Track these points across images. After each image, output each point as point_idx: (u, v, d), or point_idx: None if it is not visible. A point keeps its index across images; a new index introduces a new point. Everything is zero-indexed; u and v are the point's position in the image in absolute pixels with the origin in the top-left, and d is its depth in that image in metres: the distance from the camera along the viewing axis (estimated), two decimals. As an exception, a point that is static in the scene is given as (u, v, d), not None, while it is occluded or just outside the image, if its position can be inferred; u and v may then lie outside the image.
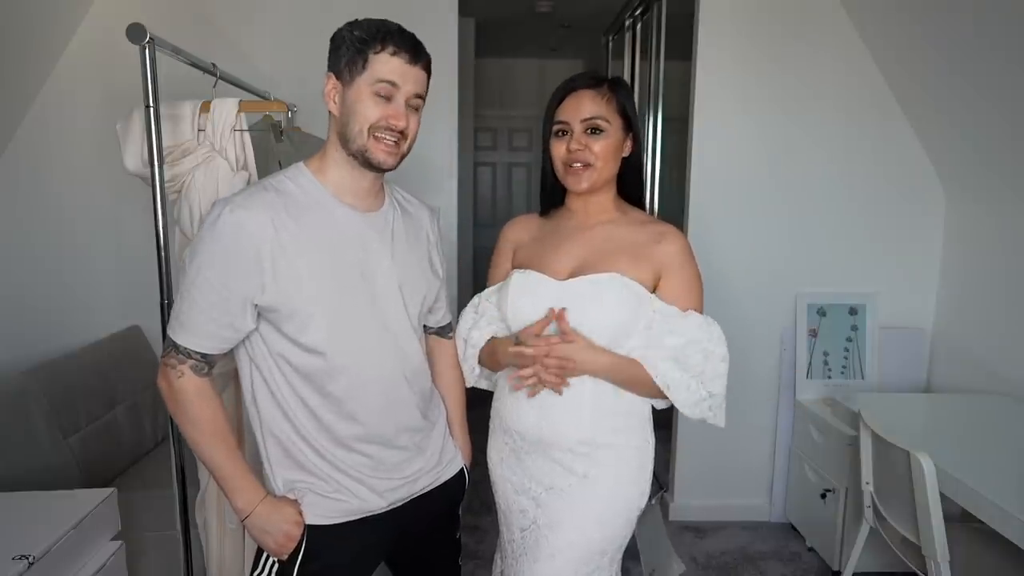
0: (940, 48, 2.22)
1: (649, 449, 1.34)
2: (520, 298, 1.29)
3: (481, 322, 1.38)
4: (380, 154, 1.12)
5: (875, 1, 2.40)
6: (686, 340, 1.24)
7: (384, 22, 1.12)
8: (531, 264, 1.33)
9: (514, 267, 1.38)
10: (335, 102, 1.13)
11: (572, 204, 1.36)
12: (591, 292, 1.24)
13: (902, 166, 2.62)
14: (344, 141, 1.13)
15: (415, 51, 1.12)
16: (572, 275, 1.27)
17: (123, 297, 2.59)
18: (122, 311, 2.59)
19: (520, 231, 1.42)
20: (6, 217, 2.52)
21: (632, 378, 1.25)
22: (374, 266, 1.17)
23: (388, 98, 1.11)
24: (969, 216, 2.54)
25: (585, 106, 1.26)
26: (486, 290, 1.42)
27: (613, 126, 1.27)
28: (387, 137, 1.12)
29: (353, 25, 1.12)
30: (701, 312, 1.28)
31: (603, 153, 1.26)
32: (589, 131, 1.26)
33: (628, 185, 1.36)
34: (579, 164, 1.27)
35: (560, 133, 1.29)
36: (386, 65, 1.10)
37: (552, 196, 1.38)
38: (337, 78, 1.12)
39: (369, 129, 1.10)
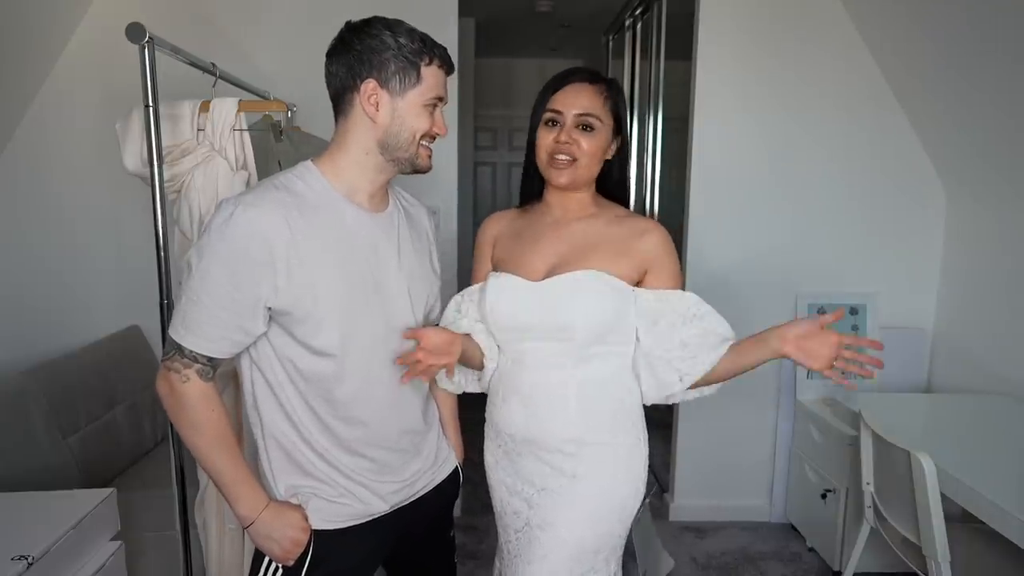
0: (938, 44, 2.22)
1: (641, 447, 1.32)
2: (497, 302, 1.28)
3: (462, 322, 1.36)
4: (427, 160, 1.18)
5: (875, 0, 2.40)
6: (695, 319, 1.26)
7: (413, 27, 1.12)
8: (507, 263, 1.32)
9: (492, 264, 1.37)
10: (377, 110, 1.11)
11: (550, 198, 1.34)
12: (569, 290, 1.23)
13: (902, 165, 2.62)
14: (387, 148, 1.13)
15: (451, 62, 1.17)
16: (549, 274, 1.26)
17: (123, 297, 2.59)
18: (122, 311, 2.59)
19: (497, 227, 1.40)
20: (5, 217, 2.52)
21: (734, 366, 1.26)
22: (383, 267, 1.17)
23: (435, 107, 1.15)
24: (969, 215, 2.54)
25: (582, 100, 1.25)
26: (468, 288, 1.40)
27: (604, 126, 1.26)
28: (430, 144, 1.18)
29: (390, 30, 1.09)
30: None
31: (590, 151, 1.25)
32: (581, 126, 1.25)
33: (611, 185, 1.35)
34: (564, 157, 1.25)
35: (551, 122, 1.27)
36: (437, 79, 1.13)
37: (532, 188, 1.36)
38: (382, 86, 1.10)
39: (420, 138, 1.15)
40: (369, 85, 1.09)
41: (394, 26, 1.10)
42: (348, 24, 1.12)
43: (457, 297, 1.40)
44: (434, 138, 1.18)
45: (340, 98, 1.13)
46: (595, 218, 1.31)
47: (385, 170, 1.16)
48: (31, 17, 2.24)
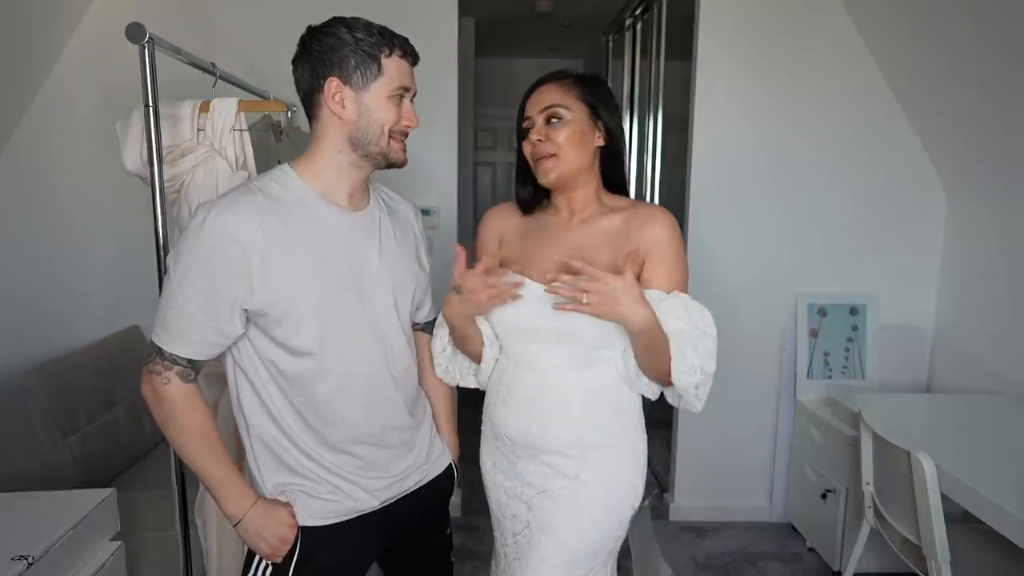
0: (940, 47, 2.22)
1: (642, 448, 1.32)
2: (505, 305, 1.27)
3: None
4: (400, 153, 1.17)
5: (875, 0, 2.40)
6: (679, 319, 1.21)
7: (368, 22, 1.12)
8: (516, 263, 1.32)
9: (499, 263, 1.36)
10: (343, 107, 1.11)
11: (556, 200, 1.34)
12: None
13: (902, 165, 2.62)
14: (358, 144, 1.13)
15: (415, 51, 1.16)
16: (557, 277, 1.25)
17: (123, 297, 2.59)
18: (122, 311, 2.58)
19: (502, 223, 1.39)
20: (6, 217, 2.51)
21: (662, 346, 1.17)
22: (363, 265, 1.17)
23: (402, 98, 1.15)
24: (969, 216, 2.54)
25: (544, 97, 1.26)
26: None
27: (574, 114, 1.25)
28: (402, 137, 1.17)
29: (347, 27, 1.10)
30: (686, 292, 1.25)
31: (565, 142, 1.24)
32: (547, 120, 1.25)
33: (609, 175, 1.34)
34: (542, 155, 1.25)
35: (527, 130, 1.28)
36: (399, 69, 1.13)
37: (531, 195, 1.35)
38: (344, 83, 1.11)
39: (390, 132, 1.14)
40: (332, 83, 1.11)
41: (351, 22, 1.11)
42: (308, 28, 1.13)
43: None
44: (406, 133, 1.18)
45: (308, 101, 1.15)
46: (600, 215, 1.30)
47: (360, 166, 1.17)
48: (31, 17, 2.24)
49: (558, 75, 1.29)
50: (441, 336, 1.37)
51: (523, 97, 1.31)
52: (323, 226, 1.14)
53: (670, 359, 1.18)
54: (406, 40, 1.15)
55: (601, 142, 1.29)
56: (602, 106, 1.28)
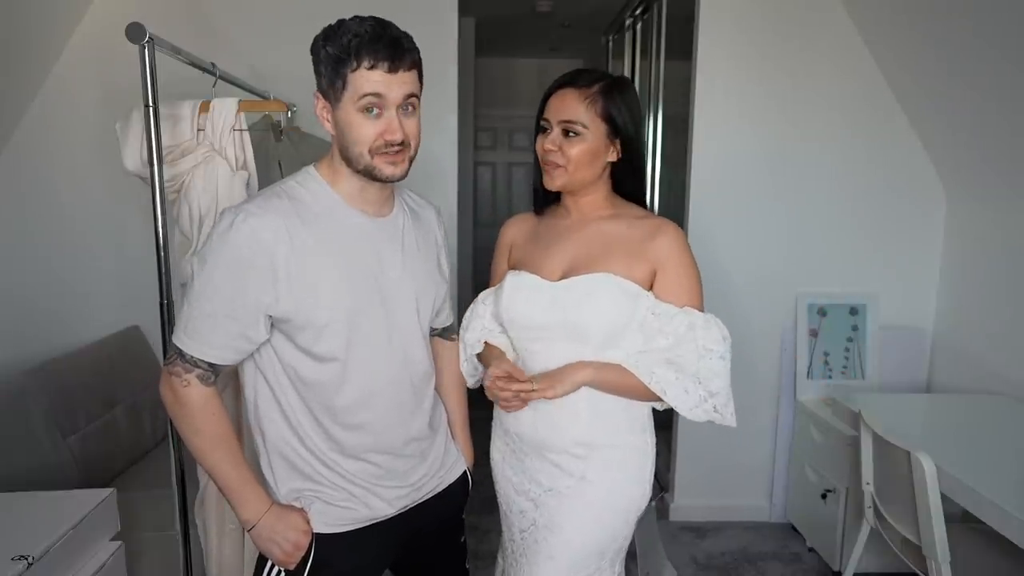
0: (940, 48, 2.22)
1: (649, 450, 1.33)
2: (514, 301, 1.29)
3: (474, 323, 1.38)
4: (387, 168, 1.09)
5: (875, 1, 2.40)
6: (678, 339, 1.21)
7: (357, 28, 1.03)
8: (525, 264, 1.33)
9: (509, 267, 1.38)
10: (329, 122, 1.10)
11: (566, 201, 1.34)
12: (583, 292, 1.23)
13: (902, 165, 2.62)
14: (347, 159, 1.09)
15: (393, 58, 1.04)
16: (565, 275, 1.26)
17: (123, 297, 2.59)
18: (122, 311, 2.59)
19: (517, 230, 1.42)
20: (6, 217, 2.52)
21: (624, 387, 1.24)
22: (386, 272, 1.16)
23: (379, 110, 1.06)
24: (969, 216, 2.54)
25: (565, 108, 1.24)
26: (485, 291, 1.42)
27: (592, 131, 1.24)
28: (389, 151, 1.08)
29: (327, 37, 1.05)
30: (700, 306, 1.25)
31: (576, 157, 1.24)
32: (565, 133, 1.25)
33: (626, 186, 1.34)
34: (551, 164, 1.26)
35: (543, 130, 1.28)
36: (366, 80, 1.03)
37: (545, 193, 1.36)
38: (325, 99, 1.08)
39: (369, 150, 1.07)
40: (319, 100, 1.10)
41: (331, 33, 1.04)
42: None
43: (474, 303, 1.42)
44: (394, 144, 1.07)
45: None
46: (612, 220, 1.30)
47: (362, 178, 1.12)
48: (31, 17, 2.24)
49: (584, 82, 1.25)
50: (467, 358, 1.42)
51: (547, 91, 1.29)
52: (348, 232, 1.12)
53: (646, 388, 1.22)
54: (379, 46, 1.02)
55: (614, 158, 1.29)
56: (622, 121, 1.25)
